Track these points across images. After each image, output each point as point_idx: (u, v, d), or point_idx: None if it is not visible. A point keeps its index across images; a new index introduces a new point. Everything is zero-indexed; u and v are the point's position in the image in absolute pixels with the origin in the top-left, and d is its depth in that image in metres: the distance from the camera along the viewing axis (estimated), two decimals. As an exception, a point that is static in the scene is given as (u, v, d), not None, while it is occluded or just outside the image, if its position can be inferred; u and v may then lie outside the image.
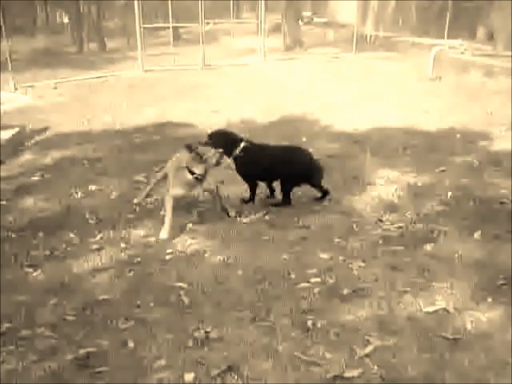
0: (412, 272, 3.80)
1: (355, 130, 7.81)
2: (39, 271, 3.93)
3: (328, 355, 2.93)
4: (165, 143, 7.13)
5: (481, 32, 17.80)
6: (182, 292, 3.57)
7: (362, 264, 3.92)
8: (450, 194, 5.22)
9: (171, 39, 16.03)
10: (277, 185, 5.14)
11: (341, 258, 4.01)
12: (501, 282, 3.61)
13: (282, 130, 7.86)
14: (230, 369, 2.84)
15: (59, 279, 3.79)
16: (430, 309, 3.34)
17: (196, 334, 3.13)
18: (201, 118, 8.56)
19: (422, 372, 2.80)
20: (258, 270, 3.85)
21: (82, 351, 3.02)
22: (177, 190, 4.52)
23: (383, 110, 9.10)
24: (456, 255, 4.00)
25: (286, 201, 5.01)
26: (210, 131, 5.30)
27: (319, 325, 3.19)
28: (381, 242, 4.28)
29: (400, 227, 4.53)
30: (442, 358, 2.90)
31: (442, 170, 5.96)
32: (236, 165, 4.98)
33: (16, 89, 12.17)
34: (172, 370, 2.86)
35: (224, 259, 4.03)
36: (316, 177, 5.03)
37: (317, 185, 5.10)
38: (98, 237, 4.45)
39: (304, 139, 7.21)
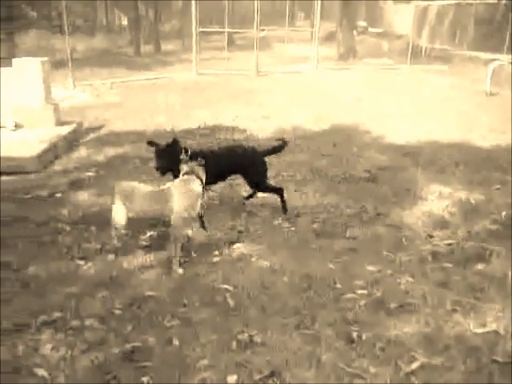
0: (462, 291, 3.70)
1: (407, 143, 7.69)
2: (90, 264, 4.04)
3: (372, 369, 2.89)
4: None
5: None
6: (227, 294, 3.60)
7: (411, 279, 3.85)
8: (503, 213, 5.06)
9: (226, 44, 16.21)
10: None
11: (389, 271, 3.96)
12: (556, 307, 3.48)
13: (333, 138, 7.83)
14: (272, 374, 2.84)
15: (109, 273, 3.89)
16: (480, 330, 3.25)
17: (240, 337, 3.15)
18: (252, 123, 8.62)
19: (470, 394, 2.73)
20: (303, 277, 3.83)
21: (128, 345, 3.09)
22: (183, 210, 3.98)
23: (436, 123, 8.93)
24: (509, 277, 3.87)
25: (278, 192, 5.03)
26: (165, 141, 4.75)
27: (364, 337, 3.15)
28: (430, 258, 4.19)
29: (450, 244, 4.43)
30: (490, 382, 2.81)
31: (497, 188, 5.79)
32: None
33: (74, 86, 12.59)
34: (215, 371, 2.88)
35: (270, 265, 4.03)
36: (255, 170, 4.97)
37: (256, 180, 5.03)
38: (148, 234, 4.54)
39: (355, 149, 7.16)
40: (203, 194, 4.23)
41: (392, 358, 2.97)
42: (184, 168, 4.12)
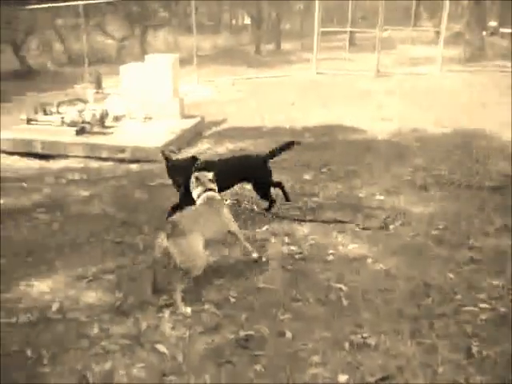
0: None
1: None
2: (207, 252, 4.20)
3: (493, 388, 2.74)
4: (334, 145, 7.20)
5: None
6: (341, 294, 3.59)
7: (540, 298, 3.58)
8: None
9: (347, 44, 16.05)
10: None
11: (515, 287, 3.71)
12: None
13: (454, 142, 7.48)
14: (385, 379, 2.79)
15: (226, 262, 4.03)
16: None
17: (353, 338, 3.12)
18: (371, 125, 8.47)
19: None
20: (421, 284, 3.71)
21: (242, 333, 3.19)
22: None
23: None
24: None
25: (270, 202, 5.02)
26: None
27: (485, 353, 2.99)
28: None
29: None
30: None
31: None
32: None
33: (198, 82, 13.16)
34: (326, 368, 2.89)
35: (387, 268, 3.95)
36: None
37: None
38: (264, 228, 4.64)
39: (478, 155, 6.78)
40: None
41: (516, 379, 2.80)
42: (196, 179, 4.04)
